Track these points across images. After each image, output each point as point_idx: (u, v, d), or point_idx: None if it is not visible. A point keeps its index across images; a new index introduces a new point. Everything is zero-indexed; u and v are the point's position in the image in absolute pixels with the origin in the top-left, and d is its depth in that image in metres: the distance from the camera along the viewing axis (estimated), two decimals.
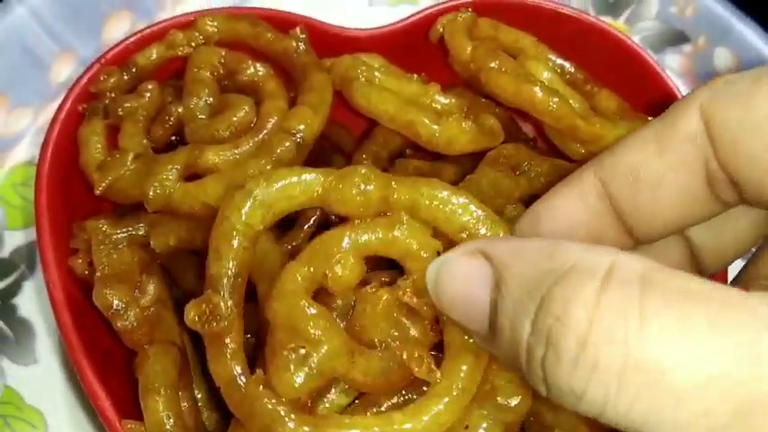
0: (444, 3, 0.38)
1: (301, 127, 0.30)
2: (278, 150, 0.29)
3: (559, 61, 0.37)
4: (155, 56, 0.35)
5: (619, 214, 0.25)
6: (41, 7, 0.43)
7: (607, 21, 0.44)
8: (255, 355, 0.29)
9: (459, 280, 0.22)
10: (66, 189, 0.32)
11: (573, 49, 0.38)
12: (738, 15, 0.46)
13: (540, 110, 0.32)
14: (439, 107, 0.33)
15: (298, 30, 0.34)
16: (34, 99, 0.43)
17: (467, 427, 0.25)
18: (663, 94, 0.37)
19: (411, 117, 0.32)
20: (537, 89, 0.32)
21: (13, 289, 0.39)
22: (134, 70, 0.34)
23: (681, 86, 0.39)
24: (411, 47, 0.37)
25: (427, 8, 0.38)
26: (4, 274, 0.39)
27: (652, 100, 0.37)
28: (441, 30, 0.36)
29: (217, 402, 0.33)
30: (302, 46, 0.34)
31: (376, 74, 0.33)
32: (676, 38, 0.48)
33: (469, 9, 0.36)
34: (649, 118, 0.37)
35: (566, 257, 0.19)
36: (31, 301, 0.39)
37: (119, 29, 0.46)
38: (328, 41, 0.36)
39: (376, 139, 0.34)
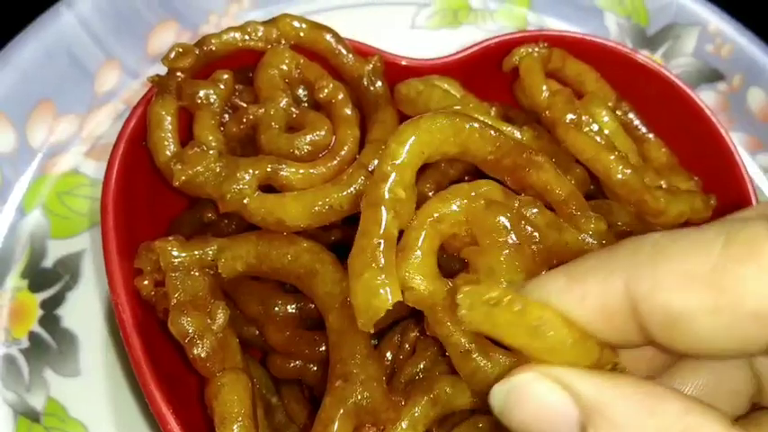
0: (505, 36, 0.38)
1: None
2: (353, 186, 0.30)
3: (616, 101, 0.38)
4: (230, 40, 0.33)
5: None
6: (89, 15, 0.43)
7: (644, 55, 0.45)
8: (320, 388, 0.29)
9: (536, 416, 0.20)
10: (130, 209, 0.32)
11: (626, 87, 0.39)
12: None
13: (613, 180, 0.32)
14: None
15: (376, 59, 0.34)
16: (80, 107, 0.43)
17: None
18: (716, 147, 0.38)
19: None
20: (613, 157, 0.31)
21: (57, 299, 0.39)
22: (204, 49, 0.33)
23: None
24: (475, 75, 0.37)
25: (489, 40, 0.38)
26: (47, 285, 0.39)
27: (701, 146, 0.38)
28: (515, 61, 0.36)
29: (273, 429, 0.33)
30: (379, 79, 0.34)
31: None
32: (712, 75, 0.49)
33: (545, 43, 0.36)
34: (695, 178, 0.37)
35: (670, 420, 0.18)
36: (75, 312, 0.39)
37: (164, 40, 0.46)
38: (397, 73, 0.36)
39: (438, 167, 0.34)
